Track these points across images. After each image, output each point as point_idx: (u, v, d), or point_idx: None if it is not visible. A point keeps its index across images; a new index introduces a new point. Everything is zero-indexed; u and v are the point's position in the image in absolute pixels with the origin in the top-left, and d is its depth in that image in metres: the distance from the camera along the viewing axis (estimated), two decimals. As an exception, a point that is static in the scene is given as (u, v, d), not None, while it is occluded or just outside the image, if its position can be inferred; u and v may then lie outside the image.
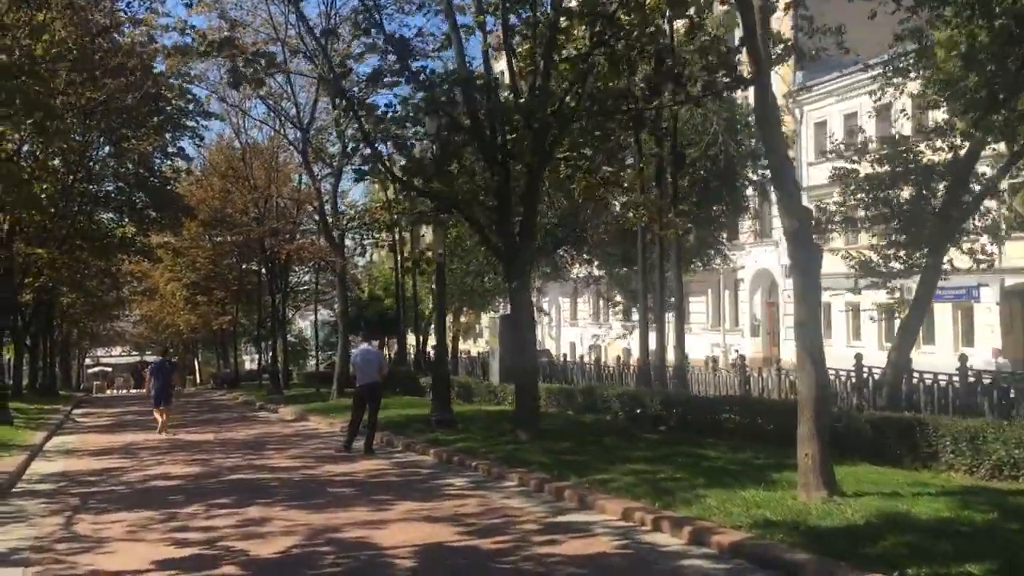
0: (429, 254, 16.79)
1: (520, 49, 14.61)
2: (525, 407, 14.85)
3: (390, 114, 14.93)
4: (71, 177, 33.23)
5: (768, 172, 24.85)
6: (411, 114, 14.79)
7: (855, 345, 37.14)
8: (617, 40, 13.93)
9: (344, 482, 11.81)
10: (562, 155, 15.52)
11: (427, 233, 32.64)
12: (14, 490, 12.05)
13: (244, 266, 47.34)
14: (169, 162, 35.05)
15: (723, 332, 44.56)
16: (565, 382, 25.23)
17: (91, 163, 33.50)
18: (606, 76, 14.40)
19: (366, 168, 15.25)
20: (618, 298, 31.72)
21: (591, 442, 13.63)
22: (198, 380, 73.21)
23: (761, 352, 42.34)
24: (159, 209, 36.24)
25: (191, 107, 31.66)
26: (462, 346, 50.59)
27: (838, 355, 31.30)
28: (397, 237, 32.63)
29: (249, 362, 67.51)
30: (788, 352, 40.55)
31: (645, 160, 19.43)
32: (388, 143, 16.27)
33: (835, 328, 39.18)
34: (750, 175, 25.23)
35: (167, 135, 33.15)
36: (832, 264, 38.97)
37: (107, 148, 33.87)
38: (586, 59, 13.60)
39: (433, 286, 39.82)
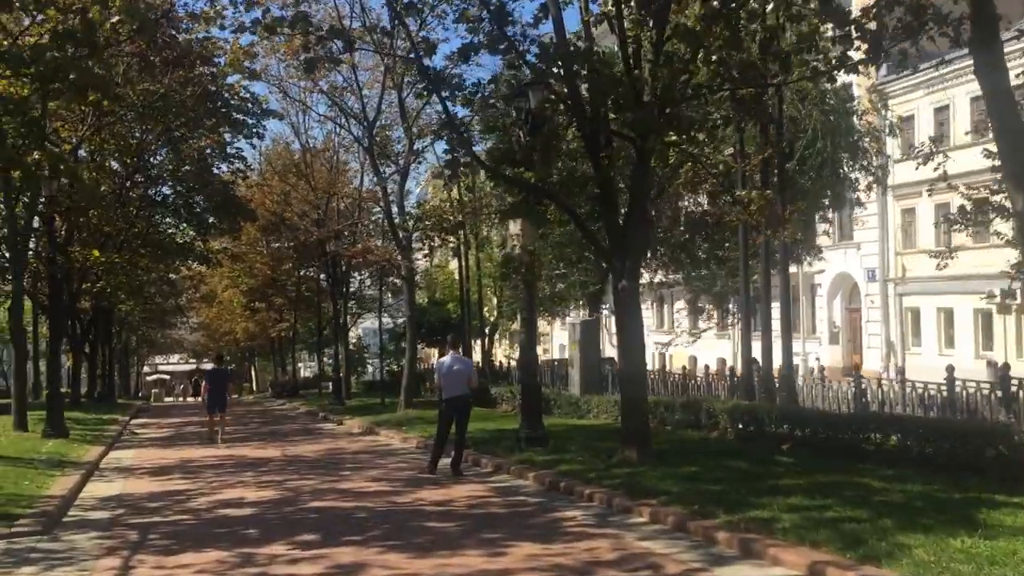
0: (518, 251, 15.09)
1: (628, 17, 12.82)
2: (634, 424, 13.05)
3: (480, 93, 13.24)
4: (128, 180, 32.34)
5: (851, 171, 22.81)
6: (505, 91, 13.10)
7: (947, 354, 34.69)
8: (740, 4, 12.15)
9: (443, 514, 10.12)
10: (670, 140, 13.72)
11: (493, 232, 31.12)
12: (66, 519, 10.59)
13: (302, 272, 46.30)
14: (228, 164, 33.92)
15: (803, 339, 42.13)
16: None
17: (149, 166, 32.52)
18: (725, 45, 12.55)
19: (456, 157, 13.43)
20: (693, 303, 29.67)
21: (716, 466, 11.82)
22: (254, 388, 72.56)
23: (841, 361, 40.02)
24: (218, 212, 35.23)
25: (250, 104, 30.49)
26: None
27: (929, 365, 28.95)
28: (463, 238, 31.14)
29: (304, 370, 66.58)
30: (872, 361, 38.21)
31: (752, 150, 17.52)
32: (468, 130, 14.54)
33: (925, 336, 36.76)
34: (853, 173, 23.13)
35: (225, 134, 32.03)
36: (924, 268, 36.67)
37: (164, 150, 32.88)
38: (710, 26, 11.76)
39: (497, 291, 38.66)
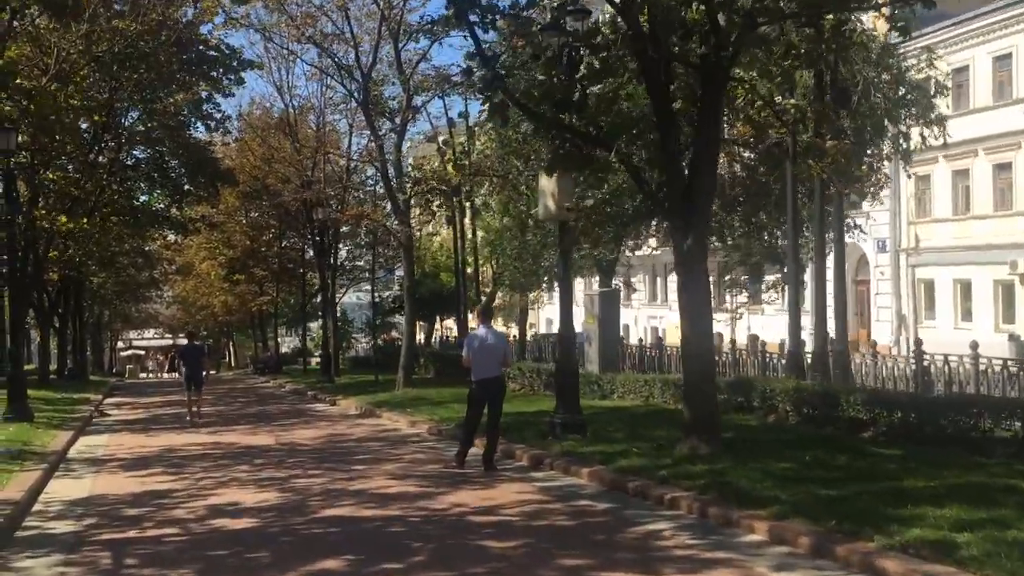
0: (553, 210, 12.96)
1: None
2: (701, 409, 11.07)
3: (520, 12, 11.04)
4: (97, 142, 29.84)
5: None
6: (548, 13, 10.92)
7: (963, 327, 33.08)
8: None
9: (496, 527, 8.10)
10: (737, 78, 11.66)
11: (492, 198, 28.93)
12: (21, 532, 8.47)
13: (284, 243, 43.98)
14: (204, 124, 31.45)
15: (812, 314, 40.29)
16: (660, 371, 21.52)
17: (119, 126, 30.02)
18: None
19: (503, 99, 11.24)
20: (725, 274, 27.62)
21: (807, 460, 9.90)
22: (233, 364, 70.13)
23: (848, 335, 38.28)
24: (195, 177, 32.83)
25: (226, 54, 28.01)
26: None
27: (944, 340, 27.19)
28: (462, 203, 28.97)
29: (284, 346, 64.13)
30: (881, 336, 36.47)
31: (803, 95, 15.44)
32: (500, 66, 12.30)
33: (939, 309, 35.10)
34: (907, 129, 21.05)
35: (202, 92, 29.58)
36: (940, 238, 34.80)
37: (135, 111, 30.41)
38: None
39: (493, 261, 36.49)
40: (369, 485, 10.35)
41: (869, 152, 20.10)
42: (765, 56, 10.77)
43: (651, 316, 52.25)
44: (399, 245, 41.52)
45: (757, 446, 10.97)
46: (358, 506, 9.11)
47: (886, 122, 20.67)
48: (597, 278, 27.42)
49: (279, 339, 56.56)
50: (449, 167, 23.17)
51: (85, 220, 28.40)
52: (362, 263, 41.14)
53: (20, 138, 24.32)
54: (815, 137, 14.18)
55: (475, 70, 11.83)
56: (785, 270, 22.01)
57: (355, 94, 24.21)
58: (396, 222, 24.18)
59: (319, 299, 46.78)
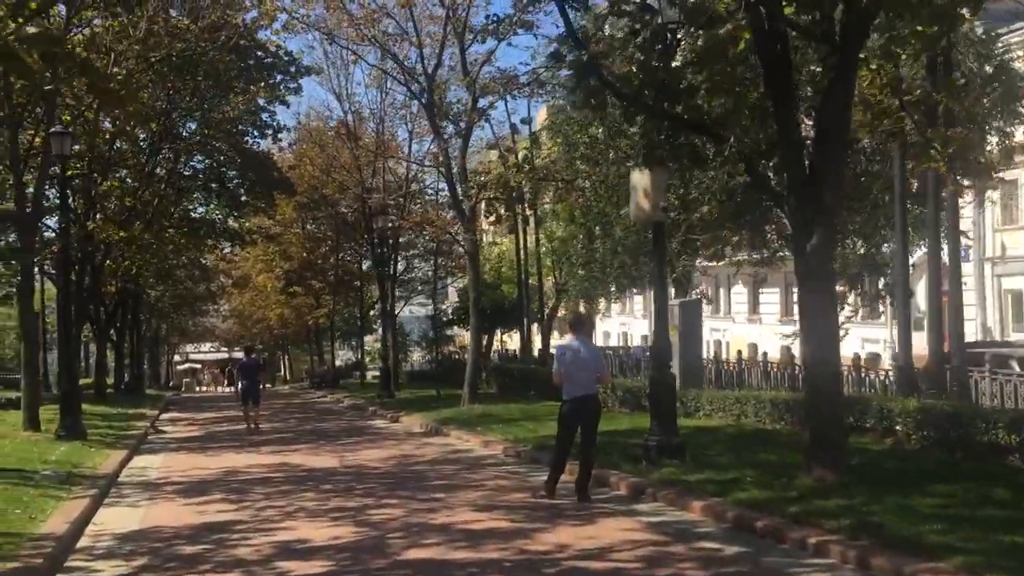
0: (646, 209, 11.67)
1: None
2: (827, 433, 9.68)
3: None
4: (154, 152, 29.29)
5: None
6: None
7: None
8: None
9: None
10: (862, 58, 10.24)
11: (559, 205, 27.67)
12: (63, 574, 7.42)
13: (341, 255, 43.27)
14: (261, 134, 30.78)
15: (888, 326, 38.24)
16: (738, 387, 20.05)
17: (177, 135, 29.42)
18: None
19: (593, 84, 10.02)
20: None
21: (961, 494, 8.47)
22: (288, 377, 69.74)
23: (926, 349, 36.14)
24: (253, 188, 32.17)
25: (285, 59, 27.26)
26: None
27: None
28: (527, 210, 27.84)
29: (338, 359, 63.44)
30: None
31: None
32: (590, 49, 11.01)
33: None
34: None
35: (258, 99, 28.86)
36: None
37: (192, 122, 29.83)
38: None
39: (556, 272, 35.19)
40: (454, 519, 9.11)
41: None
42: (899, 21, 9.31)
43: (713, 328, 50.35)
44: (463, 254, 40.86)
45: (887, 475, 9.57)
46: (446, 546, 7.87)
47: (995, 117, 19.12)
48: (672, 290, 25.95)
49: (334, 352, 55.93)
50: (514, 171, 21.96)
51: (143, 231, 27.84)
52: (421, 274, 40.19)
53: (75, 147, 23.95)
54: (931, 125, 12.68)
55: (565, 55, 10.55)
56: (887, 280, 20.44)
57: (419, 96, 23.14)
58: (460, 229, 23.02)
59: (375, 311, 46.16)
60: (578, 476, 10.20)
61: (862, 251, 20.38)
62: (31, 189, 19.26)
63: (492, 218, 21.93)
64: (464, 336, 59.74)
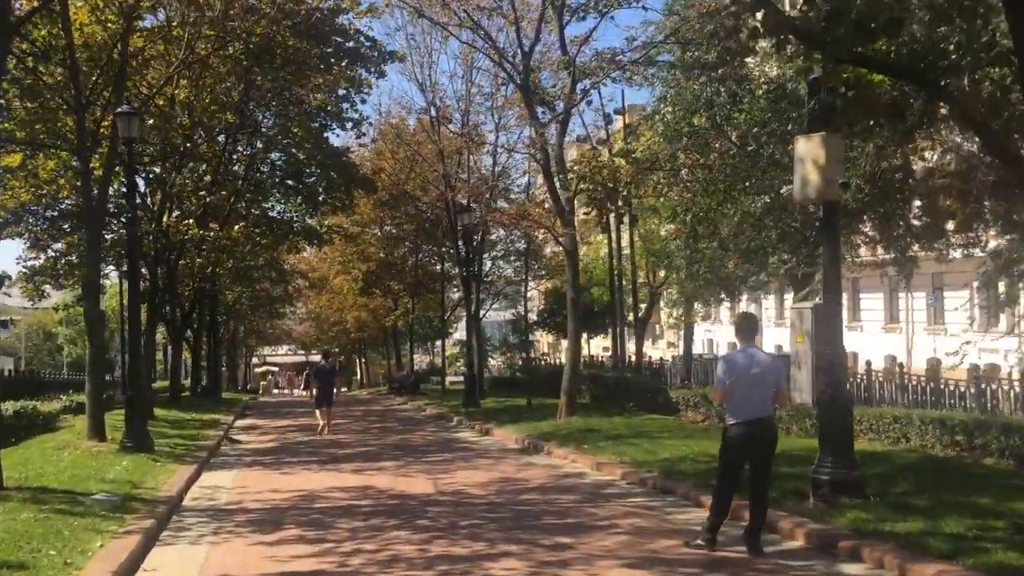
0: (817, 186, 9.37)
1: None
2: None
3: None
4: (229, 147, 27.97)
5: None
6: None
7: None
8: None
9: None
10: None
11: (661, 200, 25.30)
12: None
13: (420, 256, 41.65)
14: (341, 127, 29.19)
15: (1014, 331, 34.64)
16: (866, 403, 17.51)
17: (254, 130, 28.01)
18: None
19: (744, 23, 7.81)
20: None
21: None
22: (363, 382, 68.58)
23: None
24: (332, 185, 30.60)
25: (367, 46, 25.55)
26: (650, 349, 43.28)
27: None
28: (615, 206, 25.50)
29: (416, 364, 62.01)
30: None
31: None
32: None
33: None
34: None
35: (340, 90, 27.27)
36: None
37: (270, 115, 28.40)
38: None
39: (650, 274, 32.78)
40: (596, 578, 6.99)
41: None
42: None
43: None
44: (550, 256, 38.91)
45: None
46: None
47: None
48: (790, 293, 23.46)
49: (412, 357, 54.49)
50: (619, 160, 19.78)
51: (219, 229, 26.47)
52: (507, 275, 38.26)
53: (149, 141, 22.59)
54: None
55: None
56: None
57: (514, 77, 21.07)
58: (558, 224, 20.91)
59: (451, 315, 44.49)
60: (749, 523, 7.97)
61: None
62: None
63: (592, 212, 19.73)
64: (546, 340, 57.65)
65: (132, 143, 16.09)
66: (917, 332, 37.01)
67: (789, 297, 41.47)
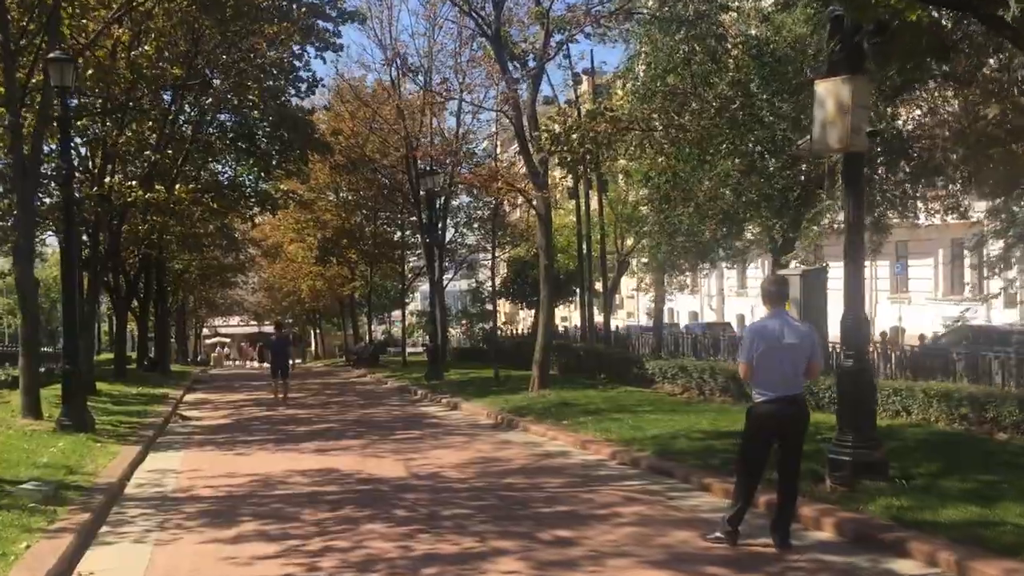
0: (840, 135, 8.39)
1: None
2: None
3: None
4: (176, 103, 26.28)
5: None
6: None
7: None
8: None
9: None
10: None
11: (632, 163, 24.28)
12: None
13: (379, 223, 40.26)
14: (293, 89, 27.62)
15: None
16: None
17: (203, 86, 26.30)
18: None
19: None
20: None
21: None
22: (319, 353, 67.05)
23: None
24: (287, 148, 29.06)
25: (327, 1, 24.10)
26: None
27: None
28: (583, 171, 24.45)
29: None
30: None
31: None
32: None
33: None
34: None
35: (294, 45, 25.74)
36: None
37: (219, 72, 26.71)
38: None
39: (617, 241, 31.72)
40: (613, 585, 5.98)
41: None
42: None
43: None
44: (514, 222, 37.77)
45: None
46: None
47: None
48: (769, 259, 22.65)
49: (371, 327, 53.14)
50: (596, 119, 18.63)
51: (164, 191, 24.84)
52: (470, 243, 37.05)
53: (87, 93, 20.95)
54: None
55: None
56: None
57: (485, 28, 19.75)
58: (530, 186, 19.79)
59: (410, 284, 43.17)
60: (776, 513, 7.03)
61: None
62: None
63: (567, 175, 18.62)
64: (503, 310, 56.57)
65: (66, 93, 14.58)
66: (880, 300, 36.65)
67: (750, 268, 41.02)
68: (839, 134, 8.59)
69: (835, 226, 22.56)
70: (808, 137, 9.31)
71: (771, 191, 19.52)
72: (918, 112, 17.51)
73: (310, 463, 11.71)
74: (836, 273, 34.89)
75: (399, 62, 26.44)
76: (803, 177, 19.49)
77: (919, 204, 21.34)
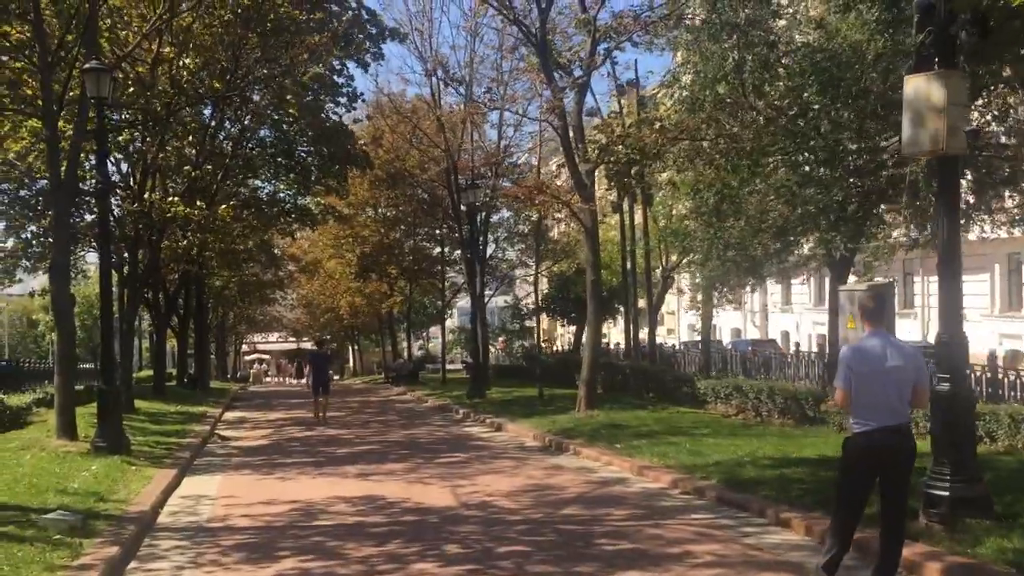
0: (934, 130, 7.61)
1: None
2: None
3: None
4: (216, 118, 26.05)
5: None
6: None
7: None
8: None
9: None
10: None
11: (680, 174, 23.46)
12: None
13: (418, 238, 39.81)
14: (333, 103, 27.33)
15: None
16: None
17: (243, 100, 26.03)
18: None
19: None
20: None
21: None
22: (356, 370, 66.72)
23: None
24: (327, 163, 28.73)
25: (364, 17, 23.82)
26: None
27: None
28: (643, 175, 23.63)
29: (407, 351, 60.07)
30: None
31: None
32: None
33: None
34: None
35: (333, 61, 25.48)
36: None
37: (259, 87, 26.42)
38: None
39: (662, 256, 30.89)
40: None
41: None
42: None
43: (816, 322, 45.82)
44: (557, 238, 37.08)
45: None
46: None
47: None
48: (827, 275, 21.66)
49: (403, 344, 52.70)
50: (646, 130, 17.95)
51: (204, 207, 24.50)
52: (510, 258, 36.43)
53: (126, 105, 20.69)
54: None
55: None
56: None
57: (530, 35, 19.14)
58: (576, 199, 19.11)
59: (450, 300, 42.63)
60: (880, 559, 6.21)
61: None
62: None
63: (613, 188, 17.95)
64: (541, 327, 55.85)
65: (103, 103, 14.18)
66: (931, 318, 35.49)
67: (795, 284, 39.90)
68: (933, 135, 7.80)
69: (893, 240, 21.58)
70: (897, 139, 8.49)
71: (830, 203, 18.66)
72: (988, 116, 16.61)
73: (353, 489, 11.08)
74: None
75: (440, 72, 25.87)
76: (862, 188, 18.62)
77: (984, 216, 20.43)
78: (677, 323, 52.22)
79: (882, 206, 19.90)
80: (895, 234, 21.15)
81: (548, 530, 8.47)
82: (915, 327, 33.97)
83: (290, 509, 9.86)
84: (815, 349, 31.45)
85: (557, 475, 11.97)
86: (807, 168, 18.96)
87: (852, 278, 20.40)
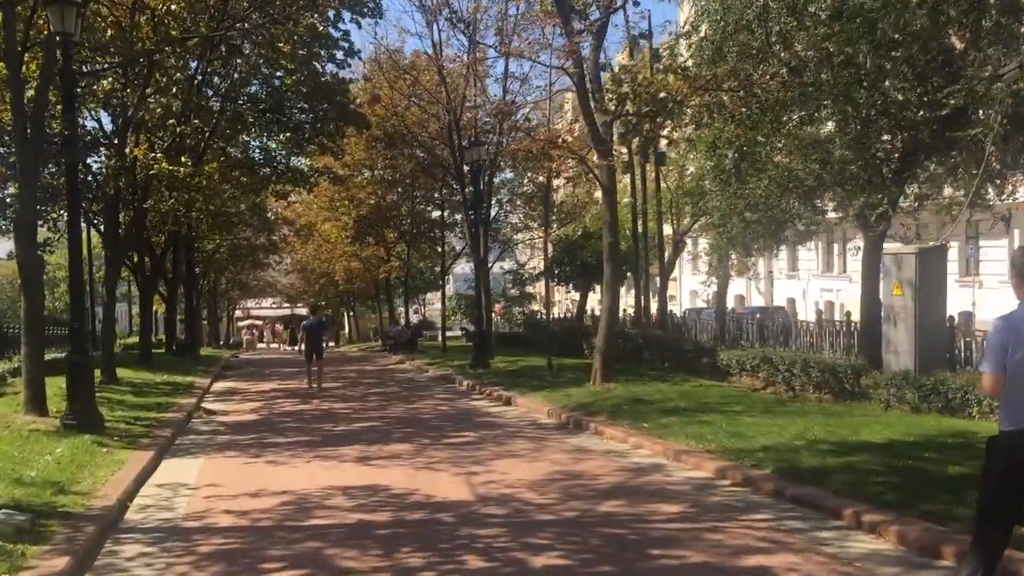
0: None
1: None
2: None
3: None
4: (201, 67, 24.39)
5: None
6: None
7: None
8: None
9: None
10: None
11: (700, 132, 21.91)
12: None
13: (415, 201, 38.30)
14: (329, 57, 25.63)
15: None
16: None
17: (232, 50, 24.32)
18: None
19: None
20: None
21: None
22: (352, 337, 65.37)
23: None
24: (321, 120, 27.16)
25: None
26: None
27: None
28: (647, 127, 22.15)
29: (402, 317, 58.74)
30: None
31: None
32: None
33: None
34: None
35: (329, 10, 23.77)
36: None
37: (248, 40, 24.69)
38: None
39: (673, 219, 29.30)
40: None
41: None
42: None
43: (824, 289, 44.56)
44: (562, 200, 35.58)
45: None
46: None
47: None
48: (861, 239, 20.24)
49: (402, 310, 51.32)
50: (670, 77, 16.43)
51: (190, 164, 22.89)
52: (512, 222, 34.95)
53: (102, 48, 19.11)
54: None
55: None
56: None
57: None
58: (593, 155, 17.61)
59: (450, 265, 41.23)
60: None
61: None
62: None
63: (635, 141, 16.47)
64: (538, 292, 54.58)
65: (69, 41, 12.61)
66: (950, 284, 33.88)
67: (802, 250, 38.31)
68: None
69: (938, 200, 20.08)
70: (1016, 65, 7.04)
71: (873, 160, 17.19)
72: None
73: (352, 477, 9.72)
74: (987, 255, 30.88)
75: (446, 11, 24.06)
76: (909, 145, 17.15)
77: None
78: (679, 289, 50.86)
79: (932, 164, 18.50)
80: (947, 192, 19.68)
81: (588, 534, 7.10)
82: (979, 297, 32.01)
83: (280, 503, 8.50)
84: (823, 316, 30.13)
85: (584, 460, 10.60)
86: (854, 122, 17.55)
87: (895, 244, 18.92)
